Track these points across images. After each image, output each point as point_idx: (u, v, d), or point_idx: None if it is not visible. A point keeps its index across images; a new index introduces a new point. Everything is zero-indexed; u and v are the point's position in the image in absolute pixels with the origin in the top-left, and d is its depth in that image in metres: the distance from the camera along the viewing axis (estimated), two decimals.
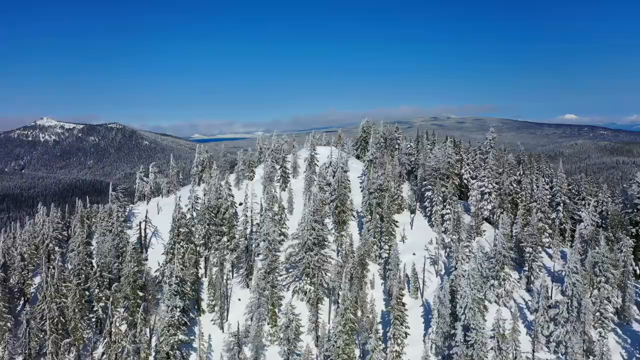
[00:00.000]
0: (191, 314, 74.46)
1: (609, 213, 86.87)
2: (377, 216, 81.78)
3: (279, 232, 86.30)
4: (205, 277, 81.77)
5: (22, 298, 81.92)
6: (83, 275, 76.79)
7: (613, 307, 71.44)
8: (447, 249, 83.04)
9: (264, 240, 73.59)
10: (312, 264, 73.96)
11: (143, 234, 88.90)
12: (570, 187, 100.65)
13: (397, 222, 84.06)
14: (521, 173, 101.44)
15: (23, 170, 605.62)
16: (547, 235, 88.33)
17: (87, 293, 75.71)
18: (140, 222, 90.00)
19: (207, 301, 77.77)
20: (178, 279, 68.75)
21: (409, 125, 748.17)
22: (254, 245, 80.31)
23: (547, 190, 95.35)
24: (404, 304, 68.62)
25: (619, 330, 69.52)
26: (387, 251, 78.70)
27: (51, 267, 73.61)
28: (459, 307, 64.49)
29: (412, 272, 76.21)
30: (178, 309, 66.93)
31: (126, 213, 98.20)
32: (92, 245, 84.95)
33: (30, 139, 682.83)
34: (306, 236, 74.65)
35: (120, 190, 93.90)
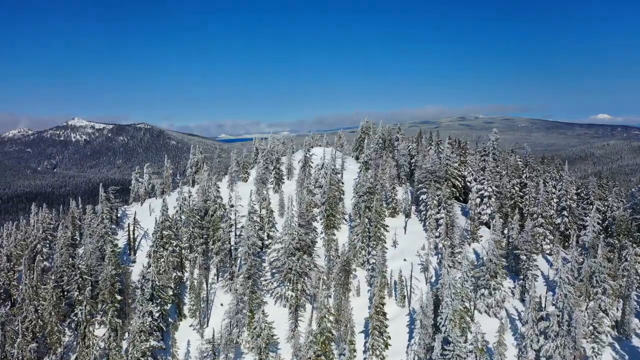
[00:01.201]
0: (170, 319, 72.91)
1: (615, 219, 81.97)
2: (366, 220, 78.75)
3: (267, 235, 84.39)
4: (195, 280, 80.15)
5: (9, 300, 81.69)
6: (66, 278, 75.98)
7: (611, 320, 67.04)
8: (440, 256, 79.53)
9: (244, 245, 71.53)
10: (294, 269, 71.49)
11: (132, 236, 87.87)
12: (579, 190, 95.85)
13: (387, 226, 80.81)
14: (527, 176, 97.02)
15: (55, 169, 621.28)
16: (548, 241, 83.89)
17: (69, 295, 74.92)
18: (129, 224, 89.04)
19: (189, 306, 76.09)
20: (152, 283, 67.17)
21: (436, 125, 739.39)
22: (239, 249, 78.31)
23: (553, 193, 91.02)
24: (384, 314, 65.74)
25: (616, 345, 64.98)
26: (375, 257, 75.60)
27: (31, 269, 72.96)
28: (440, 318, 61.27)
29: (399, 280, 73.02)
30: (151, 315, 65.30)
31: (119, 214, 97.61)
32: (81, 247, 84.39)
33: (62, 138, 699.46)
34: (288, 241, 72.28)
35: (112, 191, 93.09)
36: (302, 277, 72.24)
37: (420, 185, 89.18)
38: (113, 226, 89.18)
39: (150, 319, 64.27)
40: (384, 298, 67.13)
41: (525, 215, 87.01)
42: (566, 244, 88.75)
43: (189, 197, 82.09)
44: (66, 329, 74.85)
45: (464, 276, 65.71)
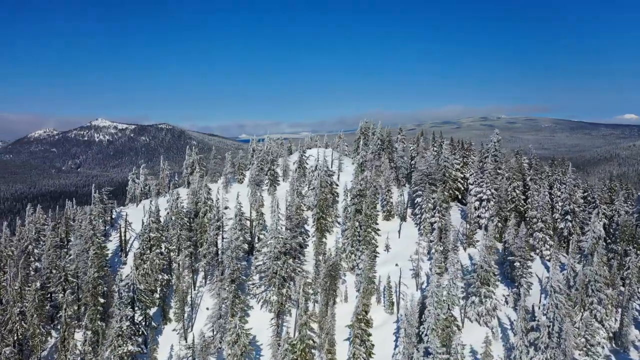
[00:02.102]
0: (154, 323, 71.83)
1: (619, 224, 78.26)
2: (356, 223, 76.55)
3: (258, 237, 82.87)
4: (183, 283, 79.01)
5: None
6: (54, 280, 75.45)
7: (608, 331, 63.72)
8: (432, 261, 76.78)
9: (228, 248, 70.08)
10: (278, 273, 69.75)
11: (123, 238, 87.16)
12: (585, 194, 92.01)
13: (378, 230, 78.50)
14: (531, 178, 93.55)
15: (79, 169, 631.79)
16: (548, 247, 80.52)
17: (55, 297, 74.45)
18: (120, 226, 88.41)
19: (174, 309, 74.85)
20: (134, 287, 66.20)
21: (457, 125, 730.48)
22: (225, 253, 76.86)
23: (559, 197, 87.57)
24: (367, 322, 63.53)
25: (613, 358, 61.72)
26: (367, 261, 73.22)
27: (17, 269, 72.58)
28: (423, 327, 58.87)
29: (387, 285, 70.63)
30: (132, 319, 64.32)
31: (114, 215, 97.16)
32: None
33: (86, 138, 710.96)
34: (274, 244, 70.55)
35: (106, 192, 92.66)
36: (287, 281, 70.44)
37: (415, 187, 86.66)
38: (103, 227, 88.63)
39: (128, 323, 63.14)
40: (368, 306, 64.92)
41: (528, 219, 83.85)
42: (569, 249, 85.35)
43: (177, 199, 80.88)
44: (52, 331, 74.50)
45: (450, 283, 62.96)
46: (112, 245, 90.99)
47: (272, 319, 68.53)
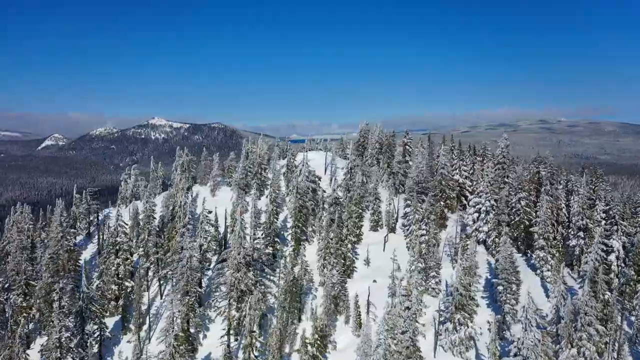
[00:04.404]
0: (108, 334, 68.26)
1: (634, 245, 67.96)
2: (330, 234, 70.09)
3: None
4: (147, 291, 75.33)
5: None
6: (16, 283, 73.38)
7: None
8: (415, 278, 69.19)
9: (182, 257, 65.46)
10: (236, 286, 64.45)
11: (101, 240, 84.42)
12: (608, 207, 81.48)
13: (356, 242, 71.84)
14: (544, 189, 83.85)
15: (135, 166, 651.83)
16: (550, 267, 71.08)
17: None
18: (98, 228, 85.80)
19: (135, 319, 71.03)
20: (84, 294, 62.76)
21: (514, 128, 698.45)
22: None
23: (575, 210, 77.82)
24: (320, 346, 57.20)
25: None
26: (336, 277, 66.64)
27: None
28: (372, 358, 51.95)
29: (354, 305, 63.88)
30: (69, 330, 60.74)
31: (100, 217, 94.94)
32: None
33: (143, 136, 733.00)
34: (234, 254, 65.31)
35: (90, 193, 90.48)
36: (247, 295, 64.94)
37: (406, 196, 79.23)
38: (87, 229, 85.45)
39: (68, 334, 59.56)
40: (324, 328, 58.40)
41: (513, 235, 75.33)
42: (580, 270, 75.52)
43: (147, 202, 77.07)
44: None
45: (414, 307, 55.65)
46: (94, 247, 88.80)
47: (221, 337, 63.11)
